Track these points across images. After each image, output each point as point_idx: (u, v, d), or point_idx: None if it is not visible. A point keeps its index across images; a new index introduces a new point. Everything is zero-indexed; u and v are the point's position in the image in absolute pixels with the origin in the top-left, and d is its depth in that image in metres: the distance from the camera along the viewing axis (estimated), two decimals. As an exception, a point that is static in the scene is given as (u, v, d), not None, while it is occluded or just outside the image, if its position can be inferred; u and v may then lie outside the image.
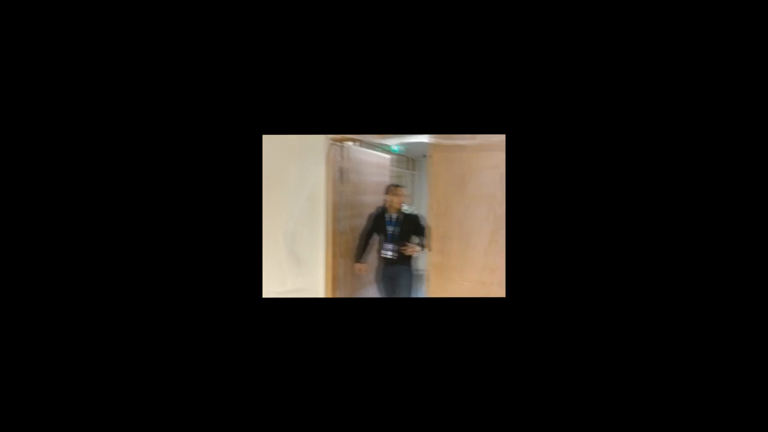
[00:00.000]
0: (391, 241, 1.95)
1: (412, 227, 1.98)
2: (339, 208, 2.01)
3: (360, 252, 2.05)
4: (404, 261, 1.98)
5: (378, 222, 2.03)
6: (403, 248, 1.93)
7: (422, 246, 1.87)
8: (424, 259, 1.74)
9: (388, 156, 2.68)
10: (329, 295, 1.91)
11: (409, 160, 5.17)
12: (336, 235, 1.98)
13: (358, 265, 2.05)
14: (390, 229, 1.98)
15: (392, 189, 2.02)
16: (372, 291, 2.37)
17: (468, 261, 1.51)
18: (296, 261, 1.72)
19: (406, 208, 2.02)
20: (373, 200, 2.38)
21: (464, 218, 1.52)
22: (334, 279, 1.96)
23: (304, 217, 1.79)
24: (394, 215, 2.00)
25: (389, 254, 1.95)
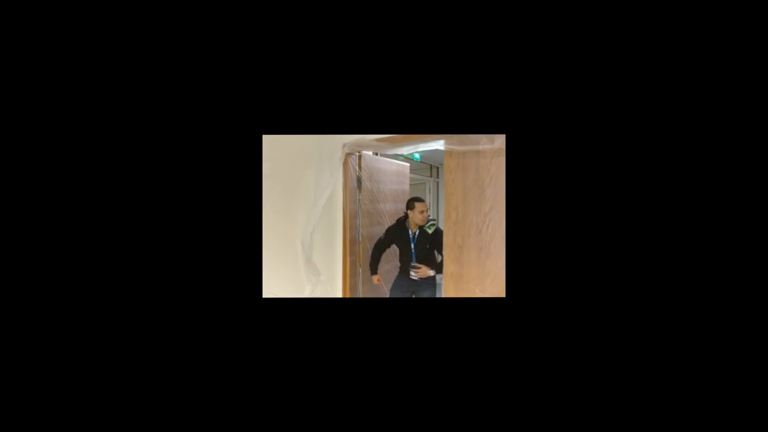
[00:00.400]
0: (416, 260, 1.89)
1: (435, 245, 1.88)
2: (355, 216, 2.01)
3: (375, 263, 2.02)
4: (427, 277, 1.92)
5: (397, 236, 1.97)
6: (416, 270, 1.85)
7: (440, 269, 1.76)
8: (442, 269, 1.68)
9: (407, 164, 2.66)
10: (347, 305, 1.89)
11: (432, 168, 5.12)
12: (352, 244, 1.97)
13: (374, 277, 2.02)
14: (412, 246, 1.91)
15: (414, 204, 1.89)
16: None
17: (488, 272, 1.44)
18: (314, 269, 1.72)
19: (429, 225, 1.91)
20: (391, 208, 2.35)
21: (482, 226, 1.45)
22: (352, 288, 1.94)
23: (321, 226, 1.79)
24: (417, 231, 1.91)
25: (414, 276, 1.88)
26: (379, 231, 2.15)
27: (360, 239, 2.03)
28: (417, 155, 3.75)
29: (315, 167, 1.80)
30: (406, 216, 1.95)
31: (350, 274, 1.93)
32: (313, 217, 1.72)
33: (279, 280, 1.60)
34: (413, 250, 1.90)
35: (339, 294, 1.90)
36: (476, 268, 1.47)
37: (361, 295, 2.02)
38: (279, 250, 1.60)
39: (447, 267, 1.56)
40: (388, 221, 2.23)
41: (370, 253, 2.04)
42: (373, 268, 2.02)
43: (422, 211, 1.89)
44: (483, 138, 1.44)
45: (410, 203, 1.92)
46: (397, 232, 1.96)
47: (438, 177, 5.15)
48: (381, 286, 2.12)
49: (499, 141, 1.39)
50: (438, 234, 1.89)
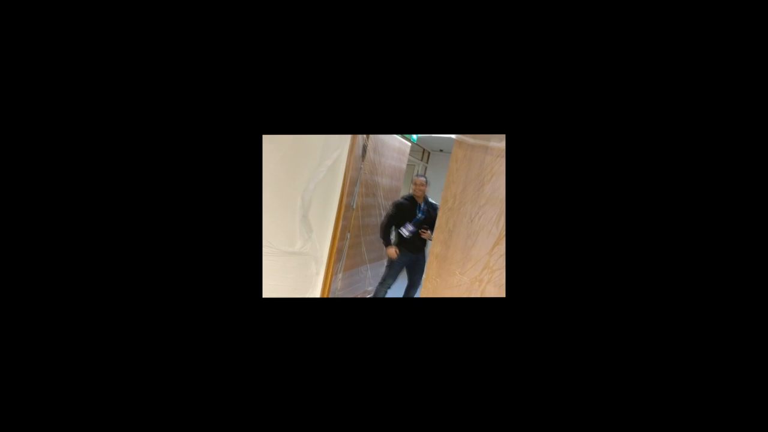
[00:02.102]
0: (414, 224, 2.18)
1: (434, 216, 2.18)
2: (354, 184, 2.07)
3: (388, 236, 2.25)
4: (421, 249, 2.20)
5: (408, 210, 2.22)
6: (423, 231, 2.16)
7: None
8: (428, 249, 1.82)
9: (408, 143, 2.71)
10: (329, 264, 1.99)
11: (424, 152, 5.19)
12: (346, 210, 2.05)
13: (391, 249, 2.22)
14: (419, 215, 2.22)
15: (421, 180, 2.27)
16: (367, 270, 2.45)
17: (470, 258, 1.59)
18: (308, 226, 1.79)
19: (430, 199, 2.27)
20: (387, 183, 2.43)
21: (475, 217, 1.58)
22: (338, 251, 2.03)
23: (321, 186, 1.84)
24: (423, 204, 2.25)
25: (407, 234, 2.16)
26: (372, 202, 2.23)
27: (354, 206, 2.10)
28: (415, 137, 3.80)
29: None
30: (414, 191, 2.28)
31: (339, 238, 2.01)
32: (317, 176, 1.76)
33: (275, 231, 1.66)
34: (417, 217, 2.21)
35: (326, 253, 1.99)
36: (461, 252, 1.61)
37: (345, 258, 2.12)
38: (280, 201, 1.65)
39: (434, 247, 1.69)
40: (382, 195, 2.31)
41: (382, 225, 2.24)
42: (387, 240, 2.23)
43: (415, 183, 2.24)
44: (494, 136, 1.54)
45: (419, 179, 2.27)
46: (407, 204, 2.23)
47: (428, 162, 5.24)
48: (362, 250, 2.23)
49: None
50: (437, 207, 2.24)
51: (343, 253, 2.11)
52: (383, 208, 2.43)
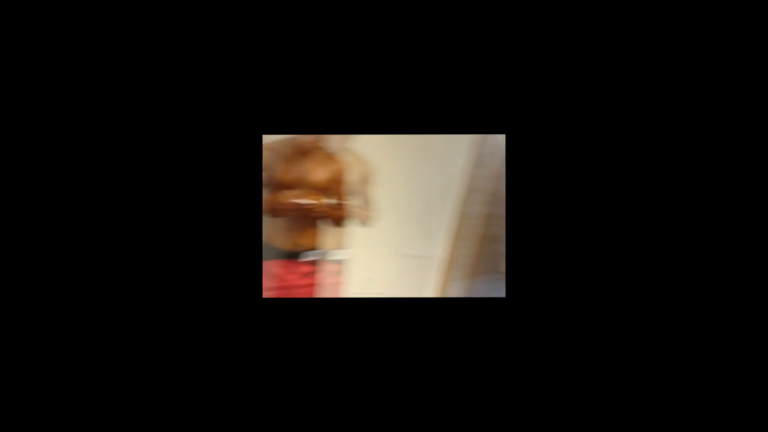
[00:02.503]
0: None
1: None
2: (472, 191, 2.03)
3: None
4: None
5: None
6: None
7: None
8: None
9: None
10: (444, 273, 1.99)
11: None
12: (464, 218, 2.02)
13: None
14: None
15: None
16: (482, 281, 2.35)
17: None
18: (430, 232, 1.84)
19: None
20: (502, 191, 2.31)
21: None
22: (455, 259, 2.02)
23: (442, 192, 1.88)
24: None
25: None
26: (490, 210, 2.15)
27: (473, 214, 2.07)
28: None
29: (446, 138, 1.86)
30: None
31: (456, 246, 2.00)
32: (437, 182, 1.81)
33: (394, 233, 1.76)
34: None
35: (442, 259, 2.00)
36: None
37: (460, 267, 2.09)
38: (401, 205, 1.75)
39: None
40: (499, 203, 2.21)
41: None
42: None
43: None
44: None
45: None
46: None
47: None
48: (479, 260, 2.15)
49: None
50: None
51: (459, 261, 2.09)
52: (501, 218, 2.30)
